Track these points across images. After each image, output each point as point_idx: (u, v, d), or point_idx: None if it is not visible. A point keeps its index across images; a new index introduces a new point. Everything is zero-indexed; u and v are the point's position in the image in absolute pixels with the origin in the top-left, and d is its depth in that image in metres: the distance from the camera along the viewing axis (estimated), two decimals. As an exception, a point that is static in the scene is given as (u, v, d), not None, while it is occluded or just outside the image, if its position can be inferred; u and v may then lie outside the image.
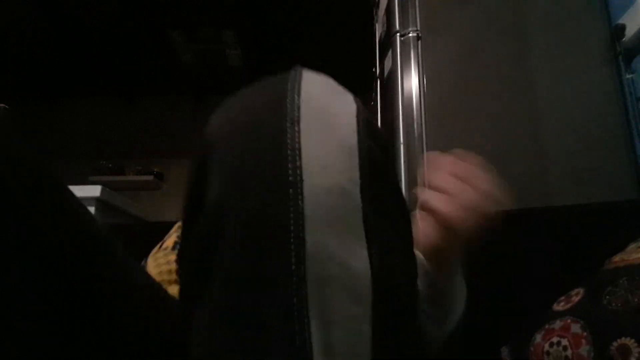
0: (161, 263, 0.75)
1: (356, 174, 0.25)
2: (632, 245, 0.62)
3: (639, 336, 0.46)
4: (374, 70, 1.73)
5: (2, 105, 1.56)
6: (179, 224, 0.87)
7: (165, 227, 0.88)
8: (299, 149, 0.24)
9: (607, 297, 0.55)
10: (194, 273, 0.28)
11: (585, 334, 0.53)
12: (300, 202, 0.23)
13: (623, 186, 1.20)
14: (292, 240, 0.23)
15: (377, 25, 1.73)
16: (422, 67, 1.26)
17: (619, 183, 1.20)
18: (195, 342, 0.26)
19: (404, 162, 1.18)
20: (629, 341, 0.47)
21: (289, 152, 0.24)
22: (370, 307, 0.24)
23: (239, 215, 0.24)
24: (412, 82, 1.25)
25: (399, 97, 1.25)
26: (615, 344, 0.48)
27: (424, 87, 1.24)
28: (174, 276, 0.71)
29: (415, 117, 1.20)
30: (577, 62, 1.29)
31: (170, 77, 3.60)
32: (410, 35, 1.30)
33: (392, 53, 1.34)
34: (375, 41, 1.72)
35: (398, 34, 1.33)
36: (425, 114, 1.21)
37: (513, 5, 1.34)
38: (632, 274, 0.54)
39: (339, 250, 0.24)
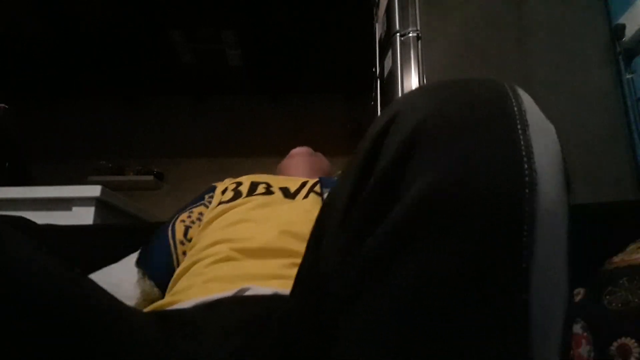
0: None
1: (565, 196, 0.25)
2: (632, 246, 0.62)
3: (639, 336, 0.46)
4: (374, 70, 1.73)
5: (2, 105, 1.55)
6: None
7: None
8: (532, 154, 0.24)
9: (607, 297, 0.54)
10: (355, 243, 0.27)
11: (585, 334, 0.53)
12: (535, 205, 0.23)
13: (623, 186, 1.19)
14: (523, 241, 0.23)
15: (377, 25, 1.73)
16: (422, 67, 1.26)
17: (619, 183, 1.19)
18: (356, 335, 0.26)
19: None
20: (629, 341, 0.47)
21: (523, 153, 0.24)
22: None
23: (458, 204, 0.24)
24: (412, 82, 1.25)
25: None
26: (615, 344, 0.48)
27: (424, 87, 1.24)
28: None
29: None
30: (577, 62, 1.29)
31: (170, 77, 3.59)
32: (410, 35, 1.30)
33: (392, 53, 1.34)
34: (375, 41, 1.71)
35: (398, 34, 1.33)
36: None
37: (513, 6, 1.34)
38: (632, 274, 0.54)
39: (559, 263, 0.24)
